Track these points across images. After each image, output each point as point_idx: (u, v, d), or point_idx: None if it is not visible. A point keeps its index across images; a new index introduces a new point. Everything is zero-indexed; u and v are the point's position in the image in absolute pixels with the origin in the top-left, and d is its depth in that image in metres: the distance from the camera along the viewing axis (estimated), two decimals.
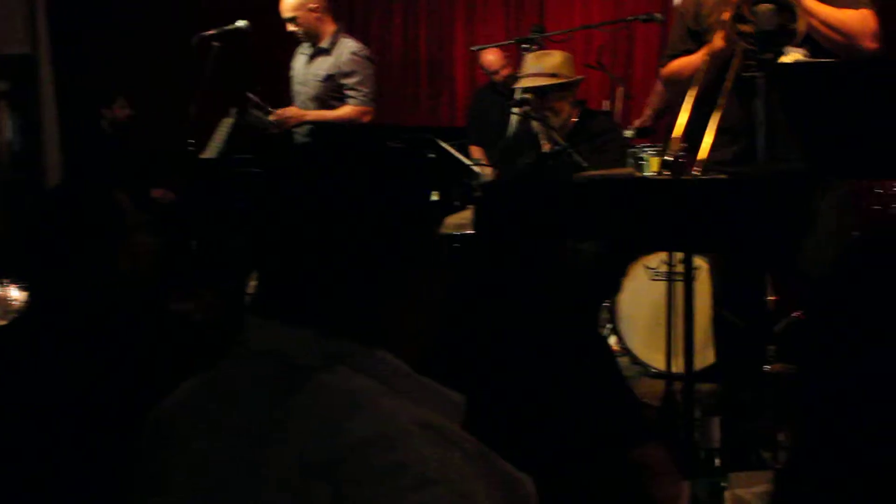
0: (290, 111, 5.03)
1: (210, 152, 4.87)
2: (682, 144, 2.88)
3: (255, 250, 1.20)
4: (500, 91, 6.25)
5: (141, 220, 1.96)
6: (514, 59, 5.90)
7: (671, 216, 2.57)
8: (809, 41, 3.03)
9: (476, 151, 6.04)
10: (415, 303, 1.19)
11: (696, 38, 3.23)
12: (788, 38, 2.84)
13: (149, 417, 1.25)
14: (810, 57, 3.05)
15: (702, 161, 2.61)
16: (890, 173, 3.07)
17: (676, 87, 3.24)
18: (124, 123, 6.10)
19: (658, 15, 5.15)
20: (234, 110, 4.97)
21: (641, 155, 5.04)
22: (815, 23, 2.96)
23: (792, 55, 3.06)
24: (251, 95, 4.95)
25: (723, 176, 2.86)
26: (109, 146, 5.88)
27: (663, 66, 3.40)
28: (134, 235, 1.93)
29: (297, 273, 1.15)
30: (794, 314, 4.05)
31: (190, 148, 4.67)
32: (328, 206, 1.14)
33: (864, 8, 3.04)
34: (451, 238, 4.11)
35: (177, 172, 4.48)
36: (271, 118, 4.96)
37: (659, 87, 5.97)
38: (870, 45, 3.01)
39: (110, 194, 1.91)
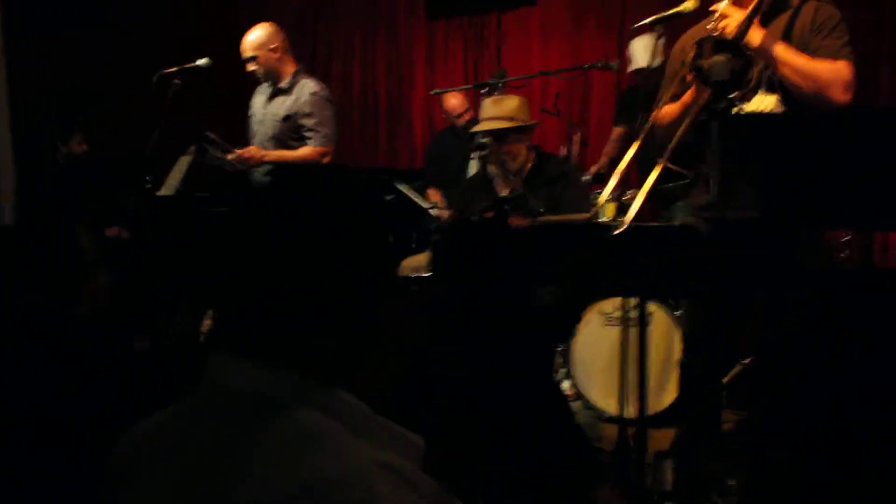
0: (250, 151, 5.03)
1: (167, 189, 4.84)
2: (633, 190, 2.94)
3: (215, 288, 1.21)
4: (459, 135, 6.31)
5: (100, 258, 1.95)
6: (474, 103, 5.98)
7: (625, 262, 2.61)
8: (783, 88, 3.09)
9: (434, 194, 6.08)
10: (374, 342, 1.20)
11: (684, 84, 3.28)
12: (743, 86, 2.89)
13: (108, 454, 1.24)
14: (783, 103, 3.10)
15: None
16: (837, 223, 3.13)
17: (659, 133, 3.28)
18: (80, 159, 6.06)
19: (613, 63, 5.25)
20: (192, 148, 4.95)
21: (597, 201, 5.11)
22: (786, 71, 3.01)
23: (765, 101, 3.13)
24: (210, 133, 4.94)
25: (674, 223, 2.90)
26: (65, 181, 5.83)
27: (657, 109, 3.44)
28: (93, 273, 1.92)
29: (257, 311, 1.16)
30: (743, 361, 4.11)
31: (147, 185, 4.64)
32: (287, 245, 1.15)
33: (842, 59, 3.03)
34: (408, 280, 4.13)
35: (133, 209, 4.44)
36: (230, 157, 4.96)
37: (615, 134, 6.08)
38: (841, 97, 2.99)
39: (72, 231, 1.91)
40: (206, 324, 4.37)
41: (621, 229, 2.55)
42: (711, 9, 3.11)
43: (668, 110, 3.28)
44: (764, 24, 3.11)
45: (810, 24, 3.10)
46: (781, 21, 3.15)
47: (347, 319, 1.17)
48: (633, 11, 6.66)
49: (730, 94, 2.66)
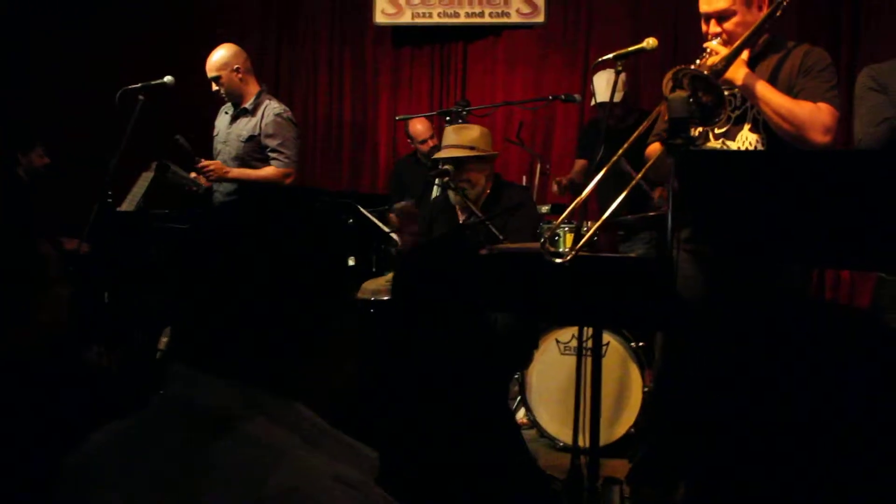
0: (214, 164, 5.03)
1: (128, 205, 4.83)
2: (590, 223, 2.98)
3: (174, 303, 1.22)
4: (422, 161, 6.35)
5: (62, 271, 1.95)
6: (438, 131, 6.02)
7: (580, 292, 2.64)
8: (766, 127, 3.14)
9: (396, 218, 6.10)
10: (332, 359, 1.23)
11: None
12: (711, 122, 2.93)
13: (62, 466, 1.25)
14: (766, 142, 3.16)
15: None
16: (785, 260, 3.19)
17: (650, 170, 3.33)
18: (41, 172, 6.03)
19: (577, 96, 5.33)
20: (154, 164, 4.95)
21: (557, 231, 5.16)
22: (766, 110, 3.07)
23: (748, 139, 3.19)
24: (179, 138, 4.93)
25: (632, 255, 2.95)
26: (25, 194, 5.80)
27: (646, 145, 3.49)
28: (55, 286, 1.92)
29: (216, 325, 1.17)
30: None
31: (108, 200, 4.63)
32: (247, 262, 1.17)
33: (825, 102, 3.08)
34: (368, 303, 4.14)
35: (93, 224, 4.42)
36: (196, 167, 4.95)
37: (577, 166, 6.14)
38: (819, 138, 3.03)
39: (35, 244, 1.91)
40: (164, 341, 4.38)
41: (568, 257, 2.59)
42: (704, 45, 3.16)
43: (653, 148, 3.34)
44: (756, 64, 3.17)
45: (799, 66, 3.17)
46: (771, 62, 3.21)
47: (306, 336, 1.19)
48: (597, 46, 6.77)
49: (686, 130, 2.71)
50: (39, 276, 1.90)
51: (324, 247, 1.24)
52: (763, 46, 3.23)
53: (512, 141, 6.26)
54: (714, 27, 3.17)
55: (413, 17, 7.51)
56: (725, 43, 3.12)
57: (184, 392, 1.18)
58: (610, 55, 3.53)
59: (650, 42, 3.39)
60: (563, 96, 5.21)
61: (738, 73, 3.07)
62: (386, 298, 4.23)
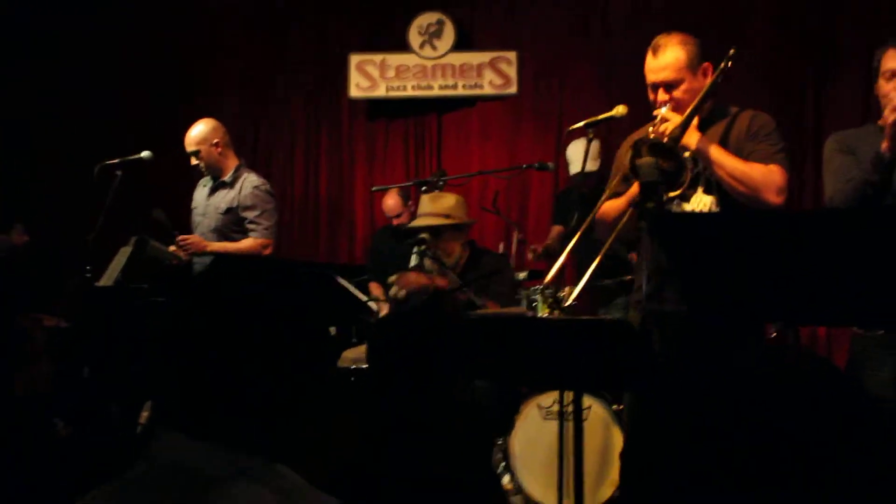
0: (193, 238, 5.05)
1: (107, 280, 4.83)
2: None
3: (154, 372, 1.24)
4: (397, 232, 6.40)
5: (42, 347, 1.96)
6: (416, 199, 6.07)
7: (560, 355, 2.66)
8: (720, 189, 3.21)
9: (375, 288, 6.13)
10: (311, 423, 1.25)
11: (628, 182, 3.34)
12: (675, 187, 3.00)
13: None
14: (720, 204, 3.22)
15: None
16: (760, 318, 3.23)
17: (601, 228, 3.38)
18: (21, 250, 6.03)
19: (550, 164, 5.41)
20: (133, 239, 4.97)
21: (534, 296, 5.19)
22: (721, 173, 3.13)
23: (703, 201, 3.25)
24: (157, 212, 4.95)
25: (611, 318, 2.97)
26: (5, 271, 5.79)
27: (598, 205, 3.54)
28: (35, 361, 1.93)
29: (200, 389, 1.20)
30: None
31: (87, 275, 4.63)
32: (227, 333, 1.20)
33: (775, 163, 3.16)
34: (348, 371, 4.14)
35: (72, 299, 4.42)
36: (176, 241, 4.97)
37: (553, 232, 6.21)
38: (774, 199, 3.12)
39: (15, 319, 1.92)
40: (144, 415, 4.35)
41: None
42: (654, 113, 3.25)
43: (610, 206, 3.38)
44: (705, 129, 3.25)
45: (746, 130, 3.26)
46: (719, 128, 3.30)
47: (285, 402, 1.22)
48: (570, 115, 6.89)
49: (658, 194, 2.77)
50: (20, 351, 1.90)
51: (303, 316, 1.27)
52: (709, 113, 3.32)
53: (488, 209, 6.32)
54: (662, 95, 3.26)
55: (387, 91, 7.63)
56: (674, 109, 3.20)
57: (164, 454, 1.19)
58: (581, 123, 3.60)
59: (620, 110, 3.47)
60: (536, 164, 5.28)
61: (691, 138, 3.15)
62: (365, 366, 4.23)
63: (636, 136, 3.47)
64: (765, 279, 2.15)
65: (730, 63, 3.20)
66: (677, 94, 3.24)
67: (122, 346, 4.17)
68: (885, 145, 2.85)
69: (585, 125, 3.56)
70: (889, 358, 3.00)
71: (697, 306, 2.34)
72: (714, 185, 3.22)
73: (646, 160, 2.75)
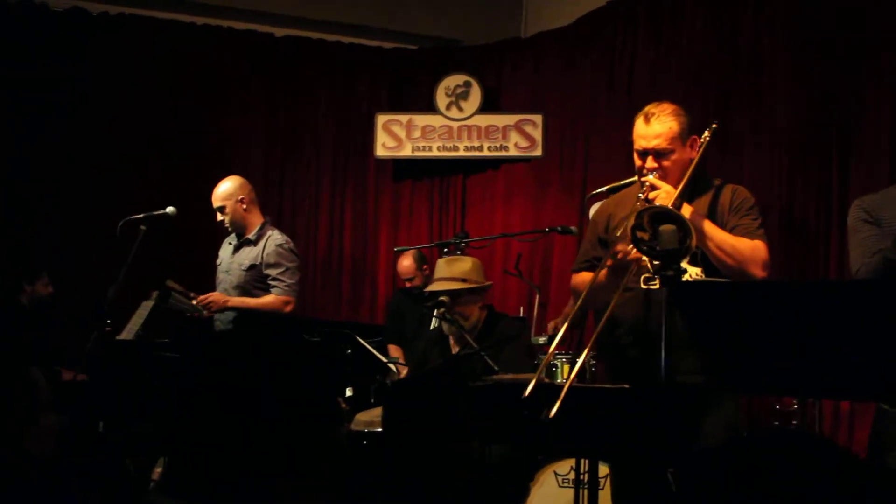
0: (213, 296, 5.06)
1: (127, 334, 4.85)
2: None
3: (169, 432, 1.23)
4: (410, 295, 6.41)
5: (51, 400, 1.96)
6: (434, 262, 6.08)
7: (577, 423, 2.63)
8: (705, 261, 3.22)
9: (394, 350, 6.12)
10: (315, 480, 1.23)
11: (606, 247, 3.37)
12: (685, 254, 3.00)
13: None
14: (705, 275, 3.22)
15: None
16: (783, 391, 3.20)
17: (577, 297, 3.38)
18: (45, 300, 6.09)
19: (573, 228, 5.41)
20: (154, 293, 4.99)
21: (554, 361, 5.14)
22: (710, 245, 3.17)
23: (690, 273, 3.24)
24: (170, 283, 4.99)
25: (624, 386, 2.94)
26: (27, 322, 5.83)
27: (575, 271, 3.55)
28: (44, 414, 1.92)
29: (207, 455, 1.19)
30: None
31: (107, 329, 4.65)
32: (243, 392, 1.19)
33: (758, 239, 3.23)
34: (361, 434, 4.11)
35: (92, 353, 4.43)
36: (194, 303, 4.98)
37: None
38: (760, 272, 3.18)
39: (26, 371, 1.92)
40: (157, 471, 4.32)
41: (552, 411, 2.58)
42: (642, 180, 3.26)
43: (584, 278, 3.39)
44: (689, 201, 3.28)
45: (729, 204, 3.33)
46: (705, 200, 3.35)
47: (296, 466, 1.20)
48: (594, 178, 6.88)
49: (678, 261, 2.75)
50: (28, 404, 1.90)
51: (317, 377, 1.26)
52: (694, 184, 3.34)
53: (510, 272, 6.31)
54: (651, 163, 3.30)
55: (413, 151, 7.68)
56: (662, 178, 3.22)
57: None
58: (603, 188, 3.62)
59: None
60: (559, 228, 5.30)
61: (684, 210, 3.17)
62: (379, 430, 4.19)
63: (612, 202, 3.48)
64: (786, 349, 2.13)
65: (709, 136, 3.30)
66: (666, 163, 3.28)
67: (139, 401, 4.17)
68: None
69: (608, 190, 3.58)
70: None
71: (719, 377, 2.31)
72: (699, 257, 3.23)
73: (667, 228, 2.74)
